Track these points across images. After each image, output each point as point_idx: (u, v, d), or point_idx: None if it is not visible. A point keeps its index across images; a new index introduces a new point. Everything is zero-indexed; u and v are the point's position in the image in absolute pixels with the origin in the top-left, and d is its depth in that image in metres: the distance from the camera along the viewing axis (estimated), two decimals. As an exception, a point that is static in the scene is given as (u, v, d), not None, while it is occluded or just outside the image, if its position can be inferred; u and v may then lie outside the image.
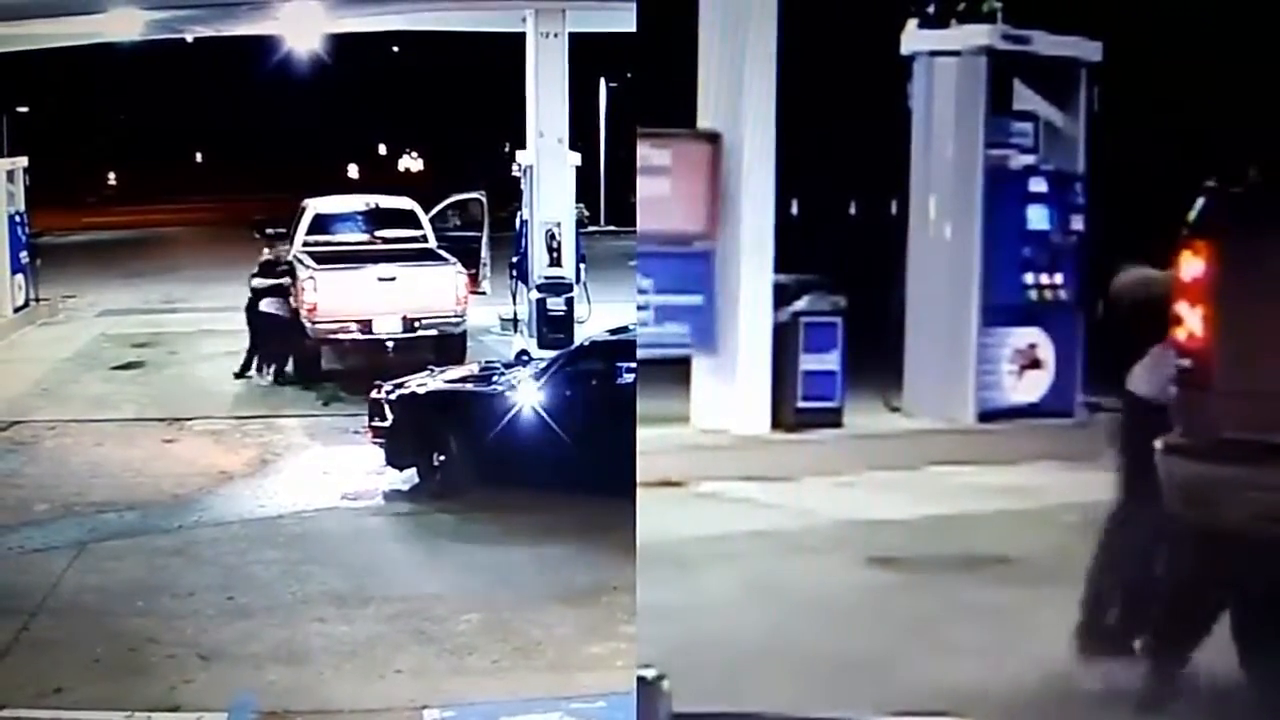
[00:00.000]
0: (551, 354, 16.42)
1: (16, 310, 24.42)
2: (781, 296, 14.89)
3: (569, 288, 21.79)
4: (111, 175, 64.48)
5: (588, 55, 24.51)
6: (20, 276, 24.66)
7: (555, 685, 9.78)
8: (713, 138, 14.85)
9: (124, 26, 22.39)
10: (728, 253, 14.81)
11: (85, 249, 36.88)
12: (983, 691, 7.99)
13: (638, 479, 11.48)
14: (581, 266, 22.67)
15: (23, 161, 25.29)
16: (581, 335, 19.23)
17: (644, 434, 12.49)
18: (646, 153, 14.58)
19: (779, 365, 14.72)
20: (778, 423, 14.68)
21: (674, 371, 15.07)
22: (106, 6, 20.98)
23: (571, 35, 22.34)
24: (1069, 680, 8.31)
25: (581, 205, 24.36)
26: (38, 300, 25.56)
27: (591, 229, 35.10)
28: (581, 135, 28.39)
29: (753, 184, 14.77)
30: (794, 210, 17.16)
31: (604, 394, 13.83)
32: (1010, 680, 8.23)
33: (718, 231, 14.83)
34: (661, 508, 11.94)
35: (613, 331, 15.04)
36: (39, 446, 16.45)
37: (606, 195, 43.17)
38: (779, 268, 14.89)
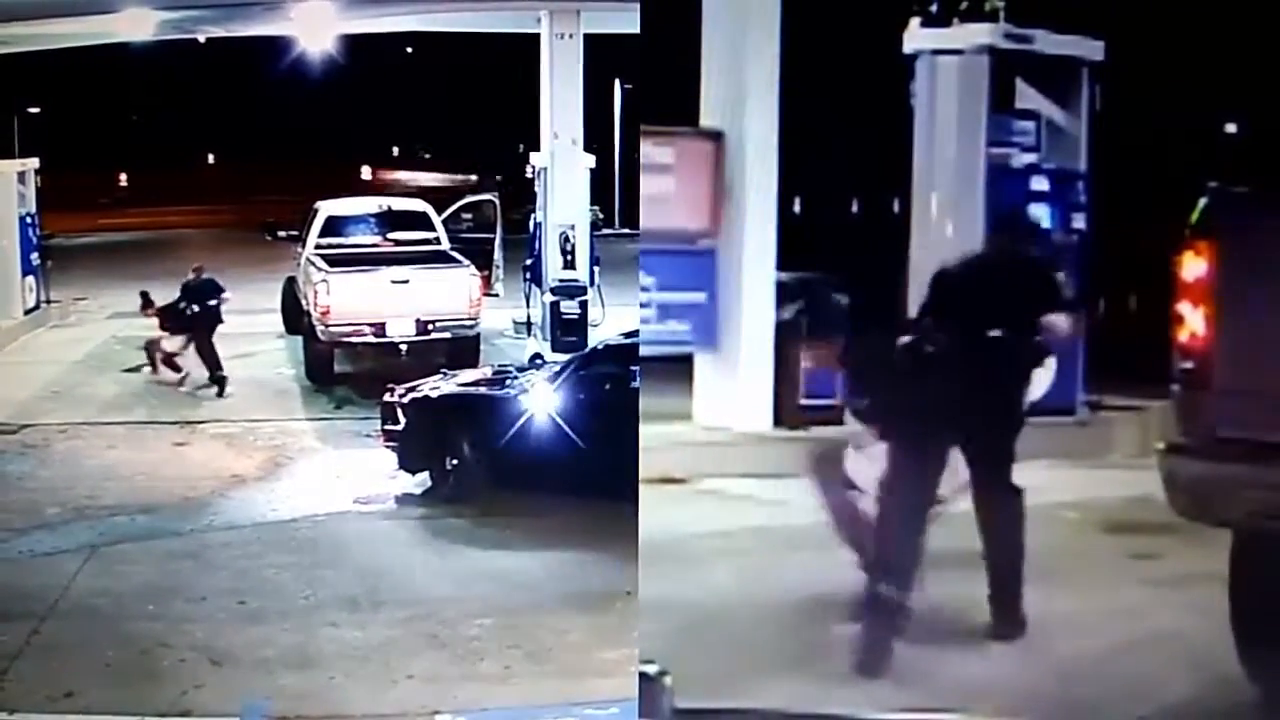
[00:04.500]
0: (565, 357, 16.38)
1: (27, 312, 24.37)
2: (784, 294, 14.92)
3: (583, 290, 21.72)
4: (123, 177, 64.43)
5: (603, 57, 24.45)
6: (31, 278, 24.61)
7: (567, 691, 9.75)
8: (716, 136, 14.91)
9: (136, 27, 22.33)
10: (730, 250, 14.88)
11: (97, 251, 36.84)
12: (976, 683, 8.13)
13: (641, 476, 11.48)
14: (595, 269, 22.61)
15: (34, 163, 25.25)
16: (595, 338, 19.16)
17: (646, 431, 12.49)
18: (650, 151, 14.63)
19: (781, 363, 14.72)
20: (780, 420, 14.71)
21: (676, 369, 15.05)
22: (119, 6, 20.92)
23: (586, 36, 22.31)
24: (1060, 672, 8.39)
25: (596, 207, 24.32)
26: (49, 302, 25.54)
27: (606, 231, 35.07)
28: (596, 137, 28.31)
29: (755, 182, 14.86)
30: (796, 208, 17.16)
31: (617, 398, 13.74)
32: (1005, 674, 8.37)
33: (720, 229, 14.87)
34: (664, 505, 11.96)
35: (626, 335, 14.98)
36: (50, 449, 16.42)
37: (621, 197, 43.06)
38: (781, 265, 14.91)
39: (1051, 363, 9.78)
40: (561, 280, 21.75)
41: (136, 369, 20.39)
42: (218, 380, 19.42)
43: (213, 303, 19.87)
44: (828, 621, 9.16)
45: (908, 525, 8.71)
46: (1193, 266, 7.25)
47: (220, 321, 20.00)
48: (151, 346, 20.06)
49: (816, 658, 8.60)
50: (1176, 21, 18.03)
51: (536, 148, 23.01)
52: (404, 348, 19.48)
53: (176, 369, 19.83)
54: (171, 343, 19.84)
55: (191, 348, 19.72)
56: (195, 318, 19.74)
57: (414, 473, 14.70)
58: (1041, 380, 15.58)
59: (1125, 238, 16.19)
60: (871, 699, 7.73)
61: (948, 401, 8.67)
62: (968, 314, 8.95)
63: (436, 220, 22.40)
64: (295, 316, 21.76)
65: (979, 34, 15.10)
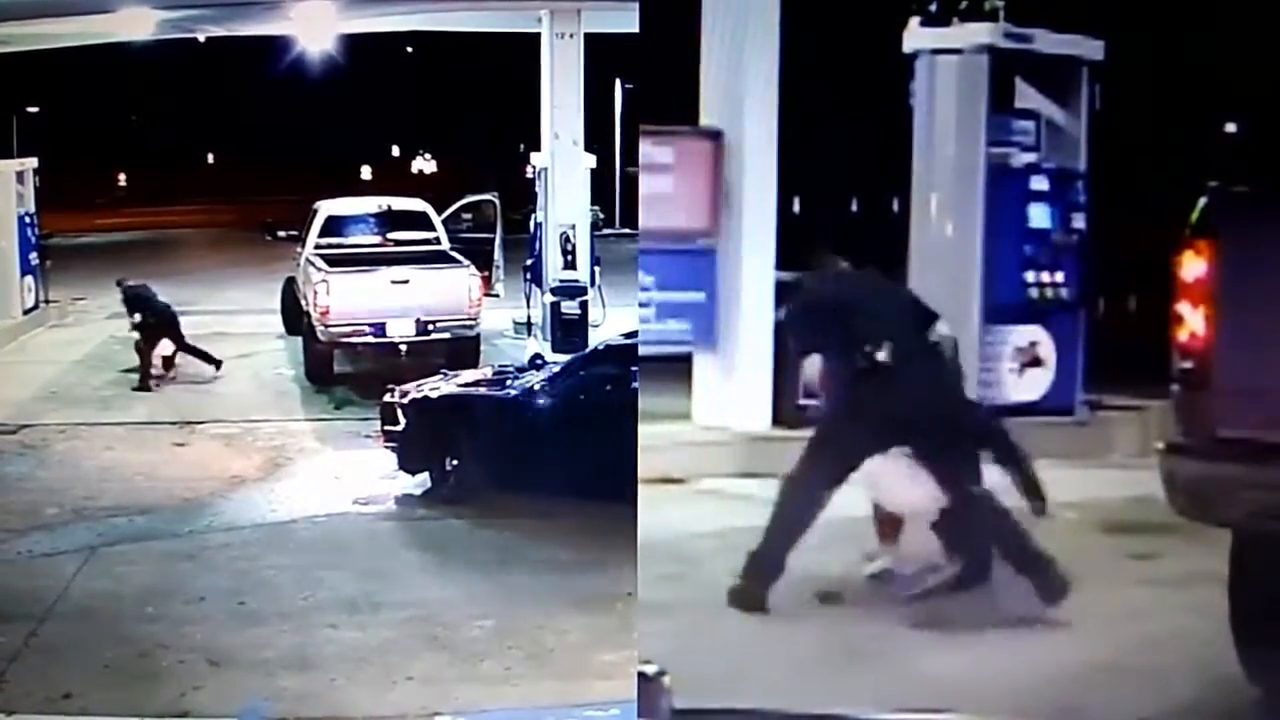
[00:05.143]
0: (565, 358, 16.35)
1: (26, 312, 24.29)
2: (783, 294, 14.92)
3: (583, 291, 21.70)
4: (122, 176, 64.38)
5: (603, 56, 24.42)
6: (30, 278, 24.56)
7: (567, 693, 9.74)
8: (715, 135, 14.87)
9: (136, 26, 22.28)
10: (729, 250, 14.86)
11: (96, 251, 36.80)
12: (976, 683, 8.11)
13: (639, 476, 11.46)
14: (596, 269, 22.59)
15: (32, 163, 25.21)
16: (596, 339, 19.14)
17: (645, 431, 12.48)
18: (649, 150, 14.61)
19: (780, 362, 14.71)
20: (779, 419, 14.67)
21: (676, 369, 15.04)
22: (118, 6, 20.86)
23: (587, 36, 22.28)
24: (1061, 673, 8.40)
25: (597, 208, 24.30)
26: (48, 302, 25.48)
27: (606, 231, 35.06)
28: (597, 137, 28.29)
29: (754, 181, 14.83)
30: (795, 208, 17.18)
31: (618, 398, 13.72)
32: (1000, 672, 8.33)
33: (719, 228, 14.85)
34: (663, 504, 11.95)
35: (627, 335, 14.94)
36: (49, 450, 16.39)
37: (621, 197, 43.01)
38: (780, 265, 14.90)
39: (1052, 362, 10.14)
40: (562, 280, 21.73)
41: (135, 369, 20.35)
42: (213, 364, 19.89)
43: (161, 305, 19.98)
44: (824, 620, 9.20)
45: (802, 508, 9.61)
46: (1192, 266, 7.25)
47: (176, 320, 20.10)
48: (141, 345, 20.10)
49: (812, 655, 8.61)
50: (1176, 21, 18.04)
51: (537, 148, 22.99)
52: (404, 348, 19.44)
53: (170, 364, 19.95)
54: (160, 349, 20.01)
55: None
56: (156, 324, 19.79)
57: (414, 473, 14.68)
58: (1041, 380, 15.70)
59: (1125, 238, 16.18)
60: (870, 696, 7.71)
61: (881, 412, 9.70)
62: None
63: (436, 220, 22.37)
64: (295, 316, 21.74)
65: (978, 33, 15.05)
